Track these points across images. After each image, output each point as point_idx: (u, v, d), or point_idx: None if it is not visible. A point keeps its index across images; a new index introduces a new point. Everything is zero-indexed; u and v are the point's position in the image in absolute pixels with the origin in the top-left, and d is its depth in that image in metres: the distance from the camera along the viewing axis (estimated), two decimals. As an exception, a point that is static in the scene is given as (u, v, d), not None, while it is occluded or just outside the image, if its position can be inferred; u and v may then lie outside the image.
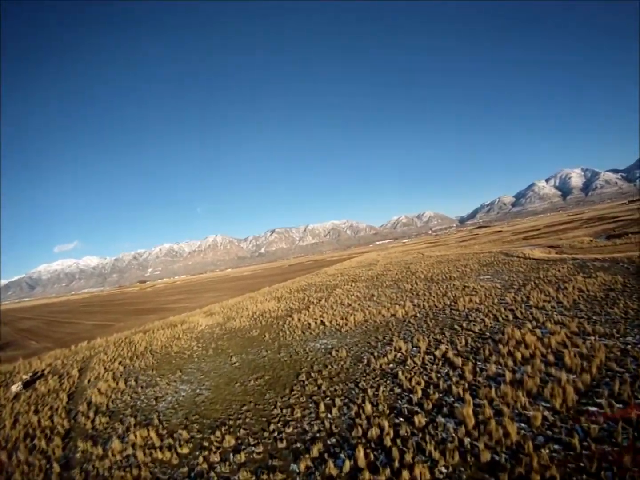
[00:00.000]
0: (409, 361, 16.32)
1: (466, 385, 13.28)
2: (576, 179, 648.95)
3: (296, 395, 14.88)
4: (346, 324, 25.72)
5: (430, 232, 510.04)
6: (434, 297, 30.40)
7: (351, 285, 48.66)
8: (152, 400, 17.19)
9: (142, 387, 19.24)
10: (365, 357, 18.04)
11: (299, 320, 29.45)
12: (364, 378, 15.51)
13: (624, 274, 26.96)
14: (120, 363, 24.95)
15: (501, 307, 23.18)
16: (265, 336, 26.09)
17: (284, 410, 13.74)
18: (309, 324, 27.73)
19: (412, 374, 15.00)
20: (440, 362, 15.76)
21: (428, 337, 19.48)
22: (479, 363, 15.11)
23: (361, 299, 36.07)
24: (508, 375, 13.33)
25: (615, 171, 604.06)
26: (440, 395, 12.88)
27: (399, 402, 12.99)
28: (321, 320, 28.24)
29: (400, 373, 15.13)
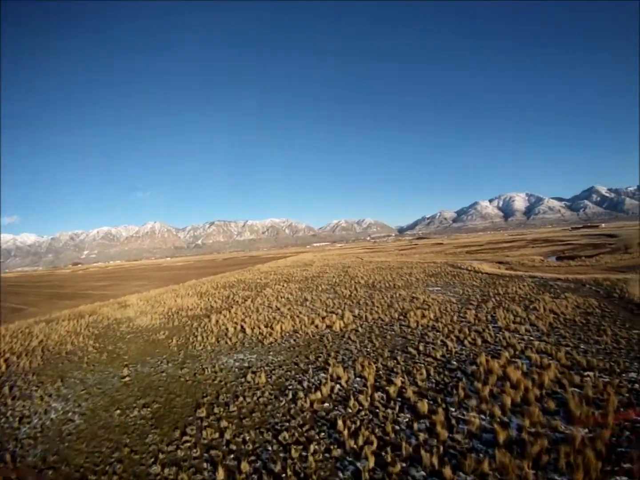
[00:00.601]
0: (351, 401, 11.97)
1: (441, 448, 9.27)
2: (520, 202, 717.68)
3: (188, 444, 10.68)
4: (271, 334, 21.79)
5: (368, 238, 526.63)
6: (377, 307, 27.13)
7: (283, 286, 45.68)
8: (16, 420, 13.71)
9: (13, 399, 15.93)
10: (291, 388, 13.72)
11: (217, 323, 26.42)
12: (287, 424, 11.09)
13: (595, 297, 25.85)
14: (6, 360, 21.57)
15: (464, 328, 20.08)
16: (172, 341, 22.73)
17: (166, 471, 9.39)
18: (227, 329, 24.05)
19: (358, 423, 10.73)
20: (397, 406, 11.65)
21: (376, 363, 15.51)
22: (453, 409, 11.24)
23: (292, 302, 32.51)
24: (500, 433, 9.64)
25: (559, 199, 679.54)
26: (405, 466, 8.76)
27: (340, 474, 8.62)
28: (242, 326, 24.42)
29: (340, 421, 10.75)
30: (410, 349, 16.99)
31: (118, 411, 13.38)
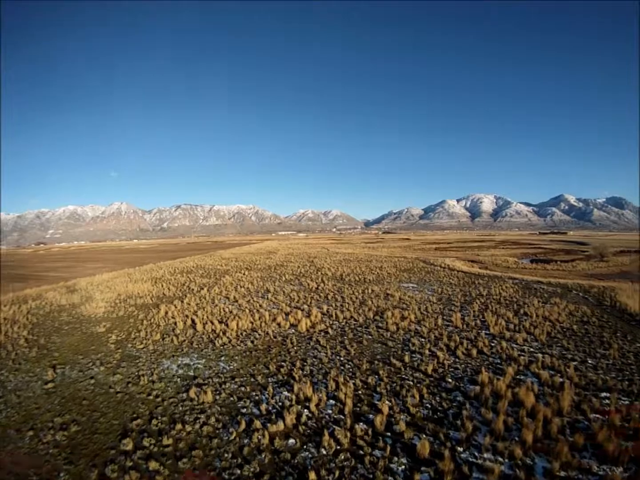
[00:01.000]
0: (325, 437, 9.36)
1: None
2: (487, 204, 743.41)
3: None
4: (225, 333, 19.20)
5: (334, 230, 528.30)
6: (349, 304, 25.11)
7: (244, 274, 43.56)
8: None
9: None
10: (244, 413, 11.08)
11: (166, 315, 24.00)
12: (237, 473, 8.40)
13: (586, 304, 24.90)
14: None
15: (453, 334, 18.14)
16: (111, 336, 20.10)
17: None
18: (176, 324, 21.54)
19: (337, 473, 8.14)
20: (388, 445, 9.19)
21: (353, 379, 13.09)
22: (461, 450, 9.01)
23: (252, 294, 30.15)
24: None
25: (527, 204, 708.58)
26: None
27: None
28: (193, 321, 22.02)
29: (311, 472, 8.10)
30: (394, 360, 14.69)
31: (30, 432, 10.76)
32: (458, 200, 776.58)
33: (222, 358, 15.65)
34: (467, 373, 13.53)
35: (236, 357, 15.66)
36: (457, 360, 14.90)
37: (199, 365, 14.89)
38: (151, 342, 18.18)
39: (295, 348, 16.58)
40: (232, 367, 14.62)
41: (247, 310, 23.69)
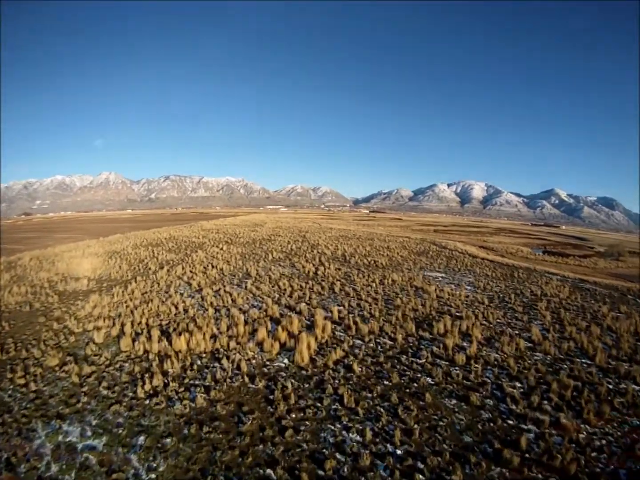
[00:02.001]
0: None
1: None
2: (478, 191, 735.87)
3: None
4: (161, 363, 11.31)
5: (323, 206, 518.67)
6: (369, 303, 17.96)
7: (221, 248, 35.92)
8: None
9: None
10: None
11: (90, 314, 16.21)
12: None
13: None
14: None
15: (553, 369, 11.35)
16: None
17: None
18: (93, 338, 13.30)
19: None
20: None
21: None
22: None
23: (226, 279, 22.66)
24: None
25: (518, 195, 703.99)
26: None
27: None
28: (122, 327, 14.12)
29: None
30: (506, 454, 7.46)
31: None
32: (449, 185, 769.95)
33: (140, 441, 7.90)
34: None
35: (165, 443, 7.81)
36: (594, 434, 8.06)
37: (90, 457, 7.43)
38: (38, 375, 10.57)
39: (291, 418, 8.74)
40: (157, 473, 7.08)
41: (210, 311, 15.94)
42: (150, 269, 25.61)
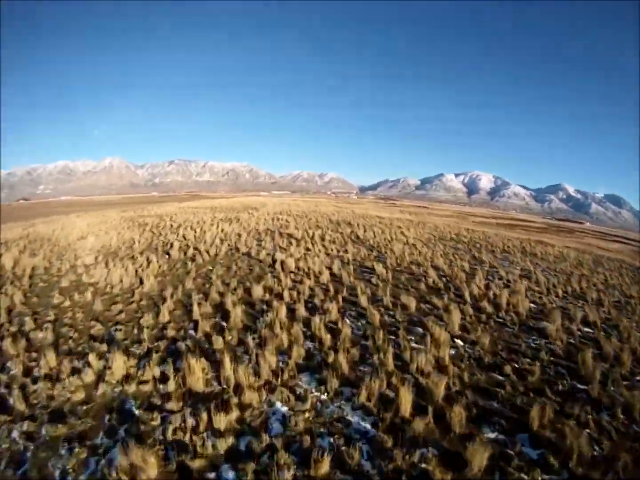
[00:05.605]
0: None
1: None
2: (486, 182, 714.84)
3: None
4: None
5: (329, 192, 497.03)
6: None
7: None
8: None
9: None
10: None
11: None
12: None
13: None
14: None
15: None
16: None
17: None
18: None
19: None
20: None
21: None
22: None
23: None
24: None
25: (525, 188, 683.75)
26: None
27: None
28: None
29: None
30: None
31: None
32: (456, 175, 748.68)
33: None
34: None
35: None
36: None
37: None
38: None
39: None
40: None
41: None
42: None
